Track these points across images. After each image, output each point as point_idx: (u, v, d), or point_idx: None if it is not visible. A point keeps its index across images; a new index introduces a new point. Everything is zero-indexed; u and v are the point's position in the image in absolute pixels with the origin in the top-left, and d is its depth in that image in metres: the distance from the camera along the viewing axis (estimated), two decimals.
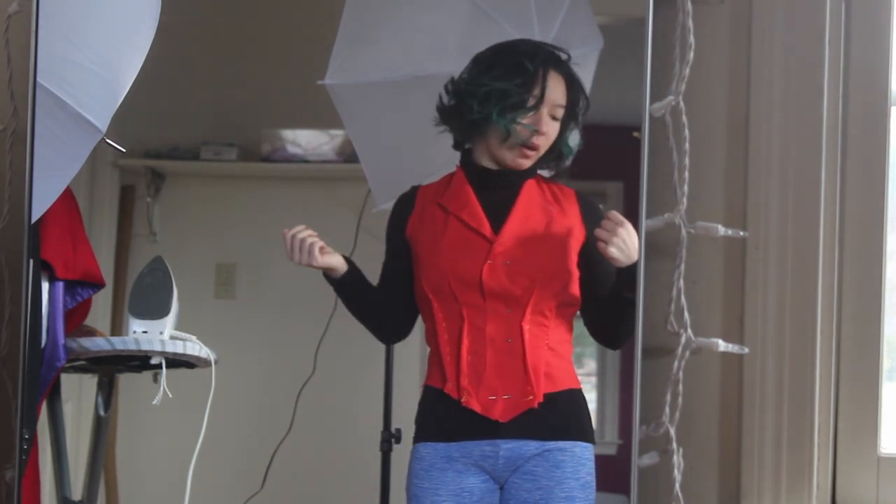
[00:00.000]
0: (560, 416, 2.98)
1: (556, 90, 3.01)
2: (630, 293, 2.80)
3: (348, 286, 3.07)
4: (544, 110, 2.99)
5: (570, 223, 3.03)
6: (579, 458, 2.98)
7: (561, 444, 2.97)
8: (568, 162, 3.16)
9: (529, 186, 3.05)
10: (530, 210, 3.03)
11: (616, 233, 2.87)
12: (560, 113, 3.02)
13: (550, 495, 2.95)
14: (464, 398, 2.95)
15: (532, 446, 2.97)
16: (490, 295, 2.96)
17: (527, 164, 3.02)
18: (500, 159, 3.02)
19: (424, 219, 3.06)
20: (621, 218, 2.88)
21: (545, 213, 3.03)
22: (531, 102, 2.97)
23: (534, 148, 3.00)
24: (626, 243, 2.87)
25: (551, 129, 3.01)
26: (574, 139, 3.09)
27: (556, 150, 3.06)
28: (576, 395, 3.02)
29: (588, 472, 3.00)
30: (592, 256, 3.03)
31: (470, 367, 2.96)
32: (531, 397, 2.95)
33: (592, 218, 3.05)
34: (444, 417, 2.99)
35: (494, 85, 2.97)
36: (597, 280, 3.05)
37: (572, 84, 3.04)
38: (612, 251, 2.87)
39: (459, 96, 3.03)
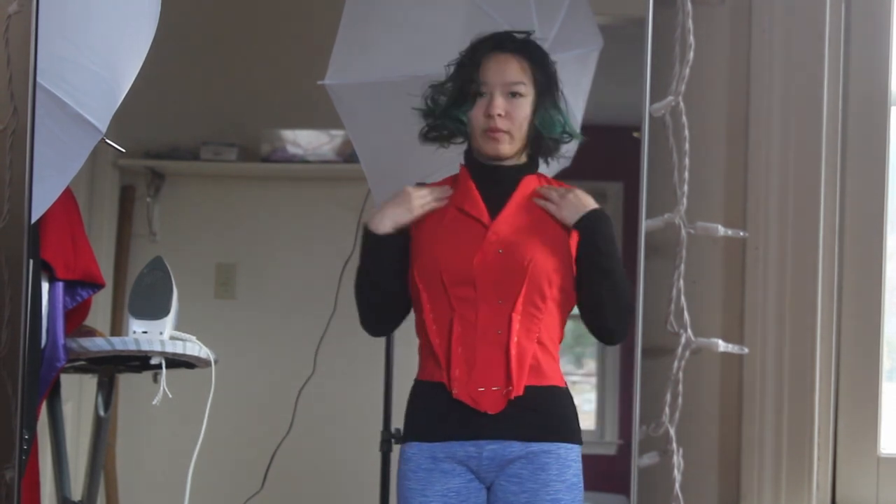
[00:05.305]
0: (544, 417, 2.97)
1: (500, 69, 3.02)
2: (602, 260, 3.00)
3: (392, 248, 3.04)
4: (496, 92, 3.01)
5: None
6: (564, 459, 2.97)
7: (545, 445, 2.96)
8: (567, 150, 3.17)
9: (528, 181, 3.07)
10: (526, 202, 3.05)
11: (564, 200, 3.03)
12: (522, 89, 3.03)
13: (536, 498, 2.94)
14: (455, 390, 2.95)
15: (515, 447, 2.96)
16: (482, 285, 2.97)
17: (503, 148, 3.03)
18: (481, 150, 3.04)
19: (426, 213, 3.07)
20: (562, 192, 3.05)
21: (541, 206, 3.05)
22: (471, 90, 3.02)
23: (496, 130, 3.01)
24: (573, 202, 3.04)
25: (513, 107, 3.02)
26: (556, 115, 3.07)
27: (534, 129, 3.05)
28: (561, 394, 3.01)
29: (574, 473, 2.98)
30: (577, 252, 3.03)
31: (460, 358, 2.96)
32: (510, 388, 2.94)
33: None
34: (429, 416, 2.99)
35: (444, 90, 3.09)
36: (584, 275, 3.04)
37: (532, 59, 3.06)
38: (564, 213, 3.03)
39: (429, 113, 3.11)
